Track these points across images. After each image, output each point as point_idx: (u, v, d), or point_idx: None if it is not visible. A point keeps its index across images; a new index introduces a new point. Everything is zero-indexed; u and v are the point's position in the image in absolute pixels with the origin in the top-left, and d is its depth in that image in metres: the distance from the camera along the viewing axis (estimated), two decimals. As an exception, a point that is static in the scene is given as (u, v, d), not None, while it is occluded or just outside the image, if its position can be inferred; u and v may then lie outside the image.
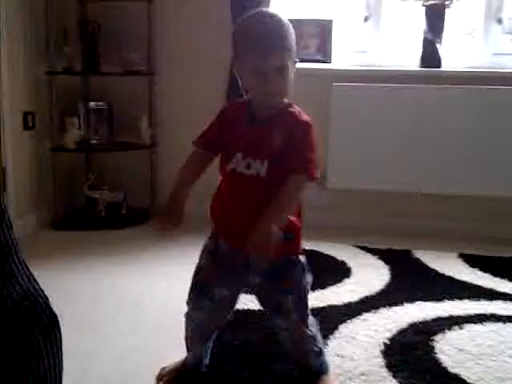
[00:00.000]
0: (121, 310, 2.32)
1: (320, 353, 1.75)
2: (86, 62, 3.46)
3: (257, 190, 1.56)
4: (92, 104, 3.54)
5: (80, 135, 3.47)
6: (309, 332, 1.69)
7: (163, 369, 1.84)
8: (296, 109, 1.59)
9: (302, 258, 1.65)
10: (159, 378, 1.82)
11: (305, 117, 1.57)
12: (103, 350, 1.99)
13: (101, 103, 3.53)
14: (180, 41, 3.51)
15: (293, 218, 1.58)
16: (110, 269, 2.76)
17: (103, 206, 3.48)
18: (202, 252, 1.77)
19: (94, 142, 3.53)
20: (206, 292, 1.69)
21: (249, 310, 2.21)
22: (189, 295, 1.74)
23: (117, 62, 3.44)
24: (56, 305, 1.33)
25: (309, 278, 1.67)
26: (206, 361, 1.85)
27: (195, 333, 1.78)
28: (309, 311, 1.70)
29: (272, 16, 1.55)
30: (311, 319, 1.72)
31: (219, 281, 1.66)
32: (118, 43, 3.50)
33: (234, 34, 1.62)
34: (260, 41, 1.51)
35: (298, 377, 1.79)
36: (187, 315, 1.78)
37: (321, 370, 1.76)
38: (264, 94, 1.54)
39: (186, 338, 1.81)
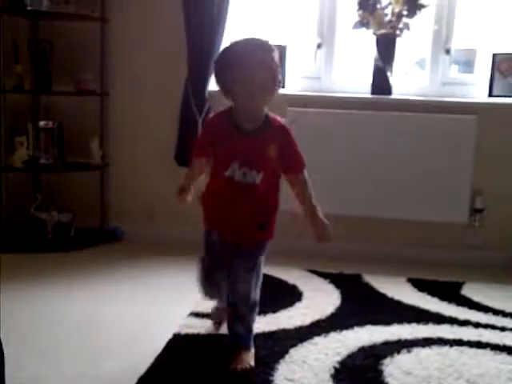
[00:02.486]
0: (66, 334, 2.25)
1: (248, 323, 2.02)
2: (37, 81, 3.40)
3: (251, 195, 1.92)
4: (42, 123, 3.47)
5: (28, 155, 3.40)
6: (251, 288, 1.98)
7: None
8: (273, 116, 1.93)
9: (268, 244, 2.02)
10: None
11: (283, 121, 1.95)
12: (47, 375, 1.92)
13: (50, 122, 3.47)
14: (133, 61, 3.50)
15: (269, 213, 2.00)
16: (56, 292, 2.69)
17: (51, 228, 3.40)
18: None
19: (43, 161, 3.46)
20: (211, 278, 2.10)
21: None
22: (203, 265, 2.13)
23: (69, 81, 3.39)
24: (1, 329, 1.28)
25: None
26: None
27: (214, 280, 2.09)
28: (259, 284, 2.03)
29: (260, 39, 1.89)
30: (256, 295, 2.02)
31: (215, 269, 2.07)
32: (70, 62, 3.47)
33: (224, 58, 1.90)
34: (250, 56, 1.83)
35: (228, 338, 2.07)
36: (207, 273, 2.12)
37: (245, 343, 2.01)
38: (249, 105, 1.87)
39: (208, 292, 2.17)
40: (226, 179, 1.91)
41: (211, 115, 2.05)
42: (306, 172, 1.97)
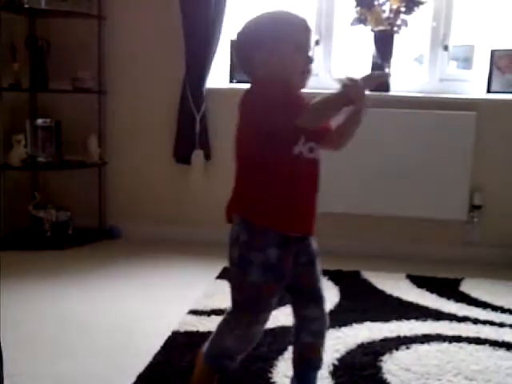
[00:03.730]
0: (64, 332, 2.25)
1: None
2: (34, 79, 3.39)
3: (318, 174, 1.60)
4: (39, 121, 3.46)
5: (26, 153, 3.39)
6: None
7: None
8: None
9: None
10: None
11: None
12: (44, 373, 1.92)
13: (48, 121, 3.46)
14: (130, 59, 3.49)
15: None
16: (54, 290, 2.68)
17: (49, 226, 3.40)
18: (249, 266, 1.53)
19: (41, 160, 3.45)
20: (266, 307, 1.58)
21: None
22: (245, 318, 1.60)
23: (66, 79, 3.39)
24: (-3, 327, 1.28)
25: None
26: None
27: (253, 343, 1.65)
28: None
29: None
30: None
31: (276, 291, 1.57)
32: (67, 60, 3.46)
33: (257, 33, 1.57)
34: (298, 19, 1.56)
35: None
36: (244, 334, 1.61)
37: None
38: (306, 72, 1.53)
39: (227, 353, 1.65)
40: (294, 159, 1.52)
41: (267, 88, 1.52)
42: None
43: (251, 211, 1.55)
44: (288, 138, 1.52)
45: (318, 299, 1.64)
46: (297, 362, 1.69)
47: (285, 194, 1.53)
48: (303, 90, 1.56)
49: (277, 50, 1.52)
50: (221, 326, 1.65)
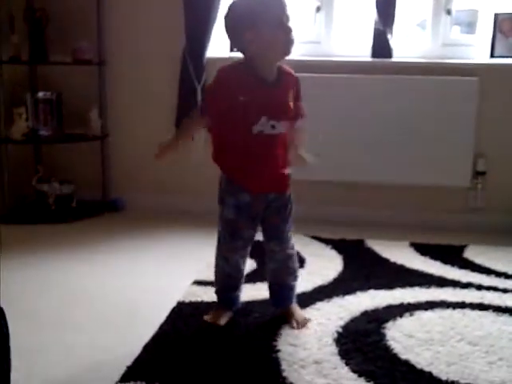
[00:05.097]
0: (70, 305, 2.27)
1: (296, 277, 2.14)
2: (34, 51, 3.37)
3: (279, 144, 1.94)
4: (40, 94, 3.44)
5: (28, 126, 3.38)
6: (293, 251, 2.11)
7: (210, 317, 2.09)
8: (285, 66, 1.97)
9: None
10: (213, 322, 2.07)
11: (293, 71, 1.99)
12: (51, 345, 1.95)
13: (49, 93, 3.44)
14: (131, 30, 3.45)
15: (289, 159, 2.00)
16: (59, 263, 2.70)
17: (53, 199, 3.41)
18: (227, 208, 2.00)
19: (43, 133, 3.44)
20: (237, 236, 2.02)
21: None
22: (222, 243, 2.06)
23: (66, 50, 3.36)
24: (3, 300, 1.29)
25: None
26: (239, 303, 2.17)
27: (239, 270, 2.09)
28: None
29: None
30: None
31: (246, 226, 2.00)
32: (66, 32, 3.43)
33: (240, 10, 1.88)
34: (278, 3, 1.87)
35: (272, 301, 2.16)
36: (223, 259, 2.07)
37: (293, 299, 2.13)
38: (286, 46, 1.87)
39: (221, 282, 2.13)
40: (253, 136, 1.89)
41: (225, 69, 1.92)
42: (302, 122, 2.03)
43: (222, 167, 2.00)
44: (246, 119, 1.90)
45: (280, 236, 2.05)
46: (269, 283, 2.16)
47: (239, 160, 1.95)
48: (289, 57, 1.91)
49: (260, 29, 1.83)
50: (215, 256, 2.10)
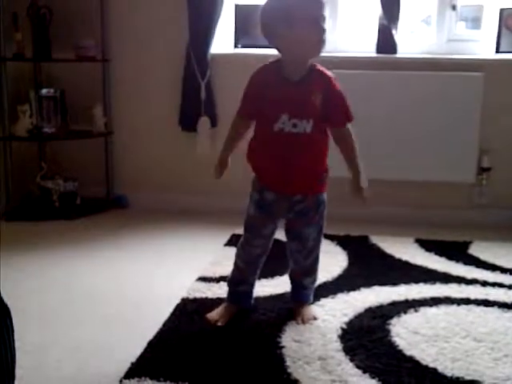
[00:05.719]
0: (73, 302, 2.27)
1: (314, 280, 2.15)
2: (37, 49, 3.36)
3: (304, 145, 1.92)
4: (44, 91, 3.44)
5: (32, 123, 3.38)
6: (314, 254, 2.09)
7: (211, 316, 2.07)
8: (320, 67, 1.95)
9: (325, 195, 2.06)
10: (213, 322, 2.04)
11: (330, 73, 1.95)
12: (56, 342, 1.95)
13: (53, 90, 3.44)
14: (134, 27, 3.45)
15: (325, 163, 2.02)
16: (63, 260, 2.70)
17: (57, 196, 3.41)
18: (250, 203, 2.04)
19: (47, 130, 3.43)
20: (257, 233, 2.04)
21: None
22: (244, 237, 2.08)
23: (69, 48, 3.35)
24: (8, 297, 1.29)
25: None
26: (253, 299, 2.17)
27: (251, 264, 2.09)
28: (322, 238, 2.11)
29: None
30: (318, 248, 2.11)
31: (266, 224, 2.02)
32: (70, 29, 3.42)
33: (274, 8, 1.88)
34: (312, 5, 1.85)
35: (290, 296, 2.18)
36: (243, 251, 2.09)
37: (307, 299, 2.15)
38: (317, 44, 1.85)
39: (237, 275, 2.13)
40: (275, 134, 1.90)
41: (257, 69, 1.95)
42: (350, 126, 2.00)
43: (252, 166, 2.02)
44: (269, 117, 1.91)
45: (301, 238, 2.05)
46: (290, 280, 2.18)
47: (262, 159, 1.98)
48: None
49: (294, 26, 1.82)
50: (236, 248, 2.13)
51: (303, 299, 2.15)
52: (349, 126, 1.99)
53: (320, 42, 1.86)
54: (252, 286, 2.16)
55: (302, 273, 2.13)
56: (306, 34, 1.84)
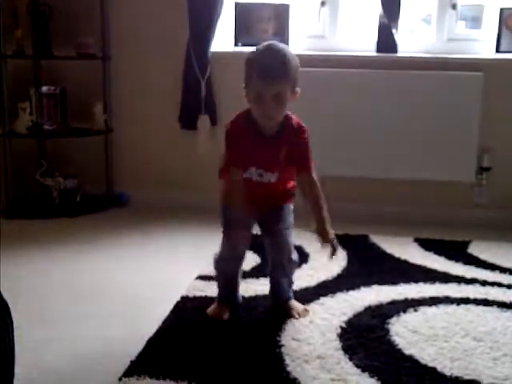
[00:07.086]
0: (73, 299, 2.27)
1: (291, 281, 2.18)
2: (38, 46, 3.36)
3: (267, 189, 2.01)
4: (44, 89, 3.44)
5: (32, 121, 3.38)
6: (288, 237, 2.11)
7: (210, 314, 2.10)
8: (293, 117, 1.97)
9: (292, 205, 2.13)
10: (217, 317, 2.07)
11: (301, 123, 1.98)
12: (55, 339, 1.95)
13: (53, 88, 3.44)
14: (135, 24, 3.45)
15: (292, 182, 2.07)
16: (63, 257, 2.70)
17: (57, 194, 3.41)
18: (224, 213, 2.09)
19: (47, 127, 3.43)
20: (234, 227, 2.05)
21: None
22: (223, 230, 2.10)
23: (69, 45, 3.35)
24: (8, 294, 1.29)
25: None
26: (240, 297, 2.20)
27: (232, 250, 2.09)
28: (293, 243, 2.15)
29: (279, 50, 1.89)
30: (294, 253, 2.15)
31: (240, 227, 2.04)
32: (70, 26, 3.42)
33: (246, 63, 1.89)
34: (265, 70, 1.82)
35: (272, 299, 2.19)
36: (225, 242, 2.09)
37: (288, 296, 2.15)
38: (261, 116, 1.88)
39: (223, 276, 2.15)
40: (243, 178, 1.98)
41: (229, 123, 1.98)
42: (313, 175, 1.99)
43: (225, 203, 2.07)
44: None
45: (275, 234, 2.09)
46: (269, 273, 2.19)
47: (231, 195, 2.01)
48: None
49: (247, 87, 1.88)
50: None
51: (288, 296, 2.18)
52: (314, 175, 1.99)
53: (263, 116, 1.89)
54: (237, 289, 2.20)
55: (279, 260, 2.14)
56: (253, 101, 1.88)
